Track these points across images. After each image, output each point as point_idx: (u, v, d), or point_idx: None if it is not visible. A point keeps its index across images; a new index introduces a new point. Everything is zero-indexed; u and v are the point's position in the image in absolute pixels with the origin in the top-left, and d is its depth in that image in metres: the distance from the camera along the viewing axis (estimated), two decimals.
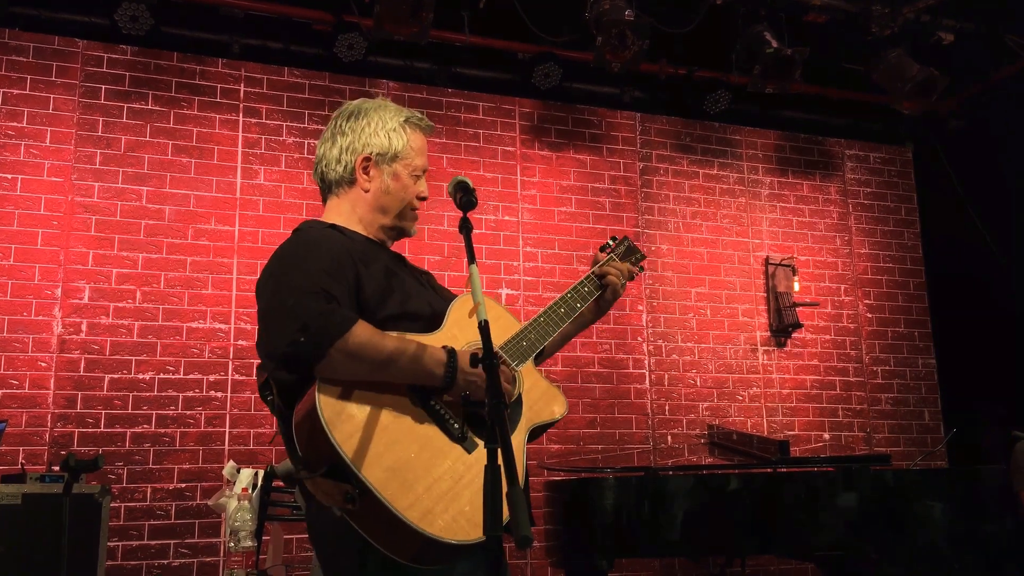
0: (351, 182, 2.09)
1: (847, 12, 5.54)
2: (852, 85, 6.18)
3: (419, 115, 2.16)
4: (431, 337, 1.92)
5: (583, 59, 5.49)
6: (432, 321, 1.97)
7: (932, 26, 5.61)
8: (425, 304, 1.98)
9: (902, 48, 5.61)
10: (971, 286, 6.18)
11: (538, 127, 5.85)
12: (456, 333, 1.95)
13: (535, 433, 2.04)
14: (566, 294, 2.27)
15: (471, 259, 1.80)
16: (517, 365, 2.02)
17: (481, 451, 1.78)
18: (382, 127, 2.09)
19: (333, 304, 1.80)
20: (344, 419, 1.75)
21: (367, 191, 2.08)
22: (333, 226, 2.05)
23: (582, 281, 2.33)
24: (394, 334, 1.86)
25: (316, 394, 1.75)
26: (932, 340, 6.45)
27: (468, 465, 1.82)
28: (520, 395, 1.99)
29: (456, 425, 1.85)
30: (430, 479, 1.77)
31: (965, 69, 5.92)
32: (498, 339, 1.93)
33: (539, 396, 2.05)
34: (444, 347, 1.86)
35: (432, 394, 1.86)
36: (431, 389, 1.85)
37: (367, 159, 2.08)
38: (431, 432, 1.83)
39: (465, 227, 1.90)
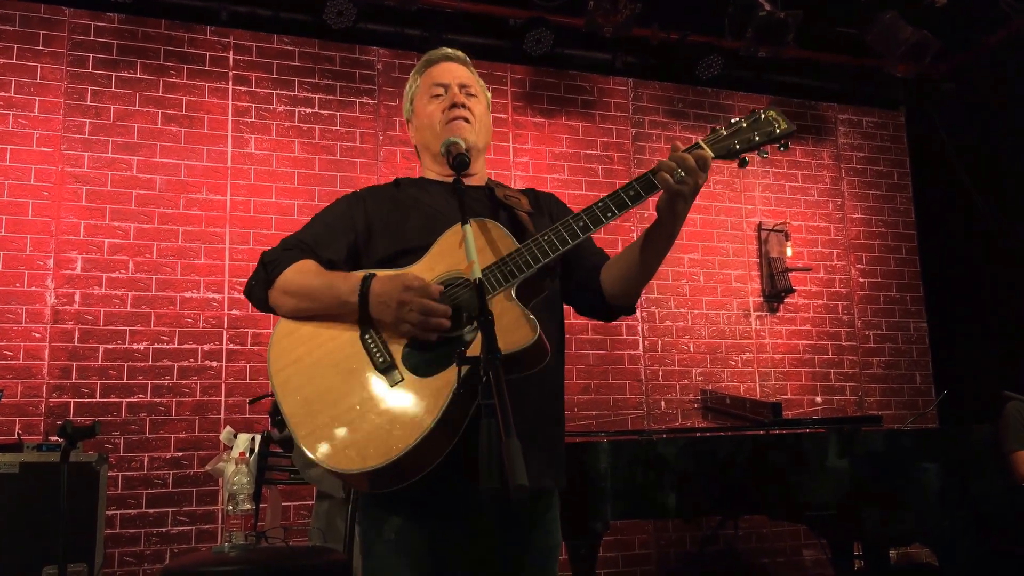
0: (415, 147, 2.24)
1: None
2: (845, 49, 6.15)
3: (430, 51, 2.20)
4: (405, 269, 1.90)
5: (575, 24, 5.46)
6: None
7: None
8: (432, 239, 1.93)
9: (895, 11, 5.59)
10: (963, 250, 6.21)
11: (530, 94, 5.82)
12: (434, 264, 1.90)
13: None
14: (597, 202, 1.93)
15: (464, 219, 1.80)
16: (490, 292, 1.81)
17: (405, 384, 1.78)
18: (406, 90, 2.24)
19: (292, 250, 1.97)
20: (286, 353, 1.89)
21: (416, 143, 2.22)
22: (396, 180, 2.17)
23: (628, 183, 1.91)
24: (317, 270, 1.93)
25: (274, 329, 1.94)
26: (924, 304, 6.49)
27: (383, 397, 1.79)
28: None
29: (380, 357, 1.82)
30: (339, 408, 1.80)
31: (958, 32, 5.89)
32: (487, 261, 1.85)
33: (502, 328, 1.70)
34: (365, 275, 1.86)
35: (368, 326, 1.86)
36: (366, 321, 1.85)
37: (407, 121, 2.24)
38: (358, 363, 1.83)
39: (458, 187, 1.90)
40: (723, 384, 5.82)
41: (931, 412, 5.86)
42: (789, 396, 5.96)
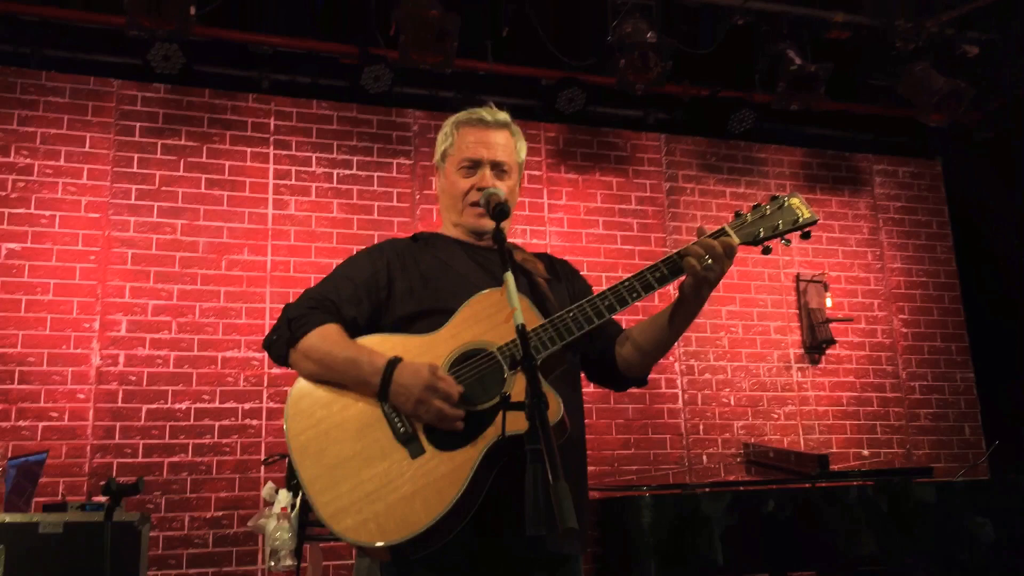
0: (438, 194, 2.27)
1: (870, 27, 5.55)
2: (877, 100, 6.17)
3: (471, 111, 2.22)
4: (429, 336, 1.91)
5: (606, 83, 5.54)
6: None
7: (956, 39, 5.61)
8: (458, 302, 1.94)
9: (927, 62, 5.60)
10: (1006, 298, 6.10)
11: (563, 151, 5.89)
12: (459, 332, 1.91)
13: (510, 444, 1.75)
14: (623, 282, 1.92)
15: (505, 267, 1.81)
16: (511, 369, 1.83)
17: (427, 457, 1.79)
18: (440, 136, 2.24)
19: (317, 310, 1.95)
20: (304, 415, 1.89)
21: (439, 194, 2.25)
22: (415, 235, 2.19)
23: (655, 265, 1.92)
24: (342, 339, 1.91)
25: (291, 390, 1.93)
26: (970, 354, 6.36)
27: (404, 470, 1.79)
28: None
29: (402, 428, 1.83)
30: (359, 479, 1.79)
31: (990, 80, 5.89)
32: (506, 336, 1.85)
33: None
34: (391, 358, 1.85)
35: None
36: (385, 395, 1.85)
37: (436, 168, 2.26)
38: (379, 434, 1.84)
39: (498, 236, 1.92)
40: (766, 437, 5.72)
41: (982, 464, 5.69)
42: (835, 449, 5.83)
